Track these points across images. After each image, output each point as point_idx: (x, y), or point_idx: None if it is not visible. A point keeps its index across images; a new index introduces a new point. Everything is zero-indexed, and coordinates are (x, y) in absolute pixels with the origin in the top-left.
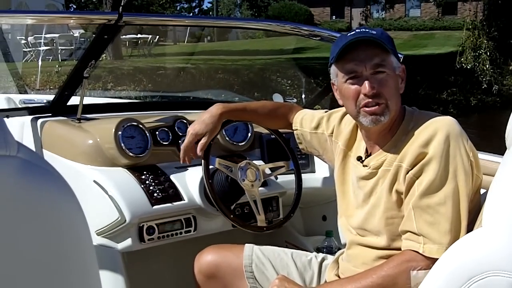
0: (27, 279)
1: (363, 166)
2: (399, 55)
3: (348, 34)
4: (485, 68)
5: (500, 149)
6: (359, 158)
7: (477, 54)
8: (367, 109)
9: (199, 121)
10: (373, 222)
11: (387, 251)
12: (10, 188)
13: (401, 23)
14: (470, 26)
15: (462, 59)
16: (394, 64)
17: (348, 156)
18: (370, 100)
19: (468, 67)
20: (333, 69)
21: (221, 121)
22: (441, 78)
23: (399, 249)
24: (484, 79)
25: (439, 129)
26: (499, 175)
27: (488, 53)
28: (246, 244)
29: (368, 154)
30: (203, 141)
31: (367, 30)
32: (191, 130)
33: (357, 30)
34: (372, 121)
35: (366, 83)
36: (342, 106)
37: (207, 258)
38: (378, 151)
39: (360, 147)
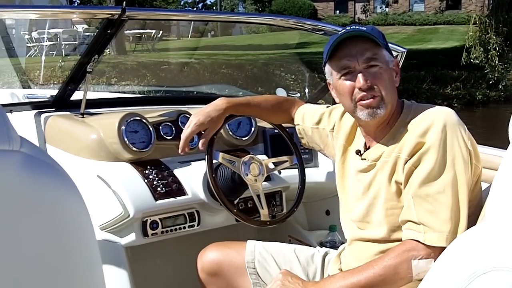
0: (31, 273)
1: (362, 159)
2: (403, 49)
3: (339, 32)
4: (493, 64)
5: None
6: (358, 152)
7: (485, 49)
8: (363, 102)
9: (203, 113)
10: (374, 213)
11: (388, 244)
12: (13, 183)
13: (405, 17)
14: (477, 21)
15: (473, 55)
16: (387, 58)
17: (348, 151)
18: (365, 93)
19: (477, 61)
20: (327, 68)
21: (225, 116)
22: (445, 72)
23: (400, 240)
24: (493, 76)
25: (436, 119)
26: (502, 169)
27: (497, 49)
28: (248, 241)
29: (366, 148)
30: (205, 134)
31: (357, 26)
32: (194, 120)
33: (347, 28)
34: (368, 115)
35: (360, 76)
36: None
37: (209, 256)
38: (377, 144)
39: (359, 142)
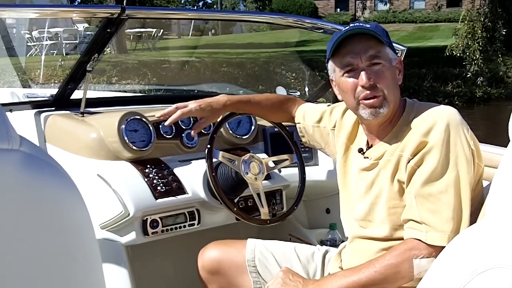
0: (31, 272)
1: (364, 157)
2: (403, 47)
3: (343, 29)
4: (474, 57)
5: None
6: (360, 150)
7: (468, 43)
8: (366, 101)
9: (205, 102)
10: (376, 212)
11: (390, 242)
12: (13, 182)
13: (406, 15)
14: (467, 17)
15: (453, 45)
16: (390, 56)
17: (350, 149)
18: (368, 92)
19: (455, 53)
20: (330, 65)
21: (225, 111)
22: (446, 70)
23: (401, 239)
24: (471, 69)
25: (439, 118)
26: (502, 167)
27: (480, 43)
28: (249, 239)
29: (369, 146)
30: (200, 122)
31: (361, 23)
32: (194, 104)
33: (351, 25)
34: (371, 114)
35: (363, 74)
36: (342, 101)
37: (209, 254)
38: (379, 142)
39: (361, 140)
